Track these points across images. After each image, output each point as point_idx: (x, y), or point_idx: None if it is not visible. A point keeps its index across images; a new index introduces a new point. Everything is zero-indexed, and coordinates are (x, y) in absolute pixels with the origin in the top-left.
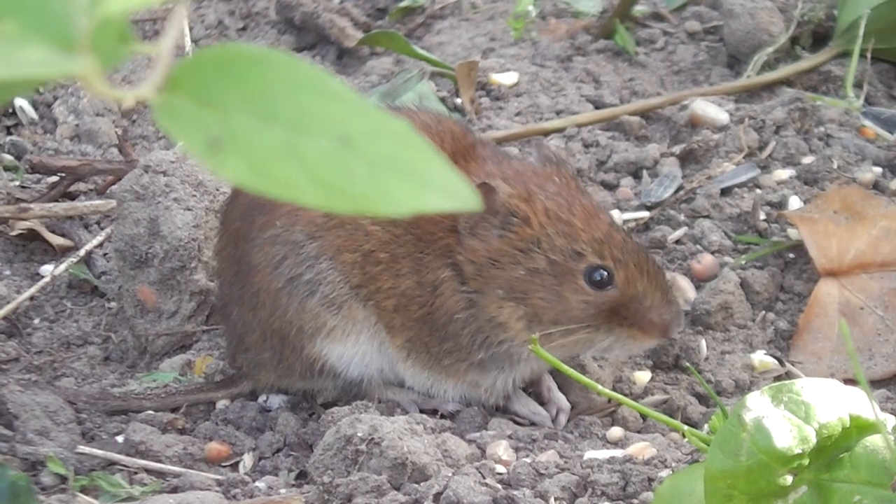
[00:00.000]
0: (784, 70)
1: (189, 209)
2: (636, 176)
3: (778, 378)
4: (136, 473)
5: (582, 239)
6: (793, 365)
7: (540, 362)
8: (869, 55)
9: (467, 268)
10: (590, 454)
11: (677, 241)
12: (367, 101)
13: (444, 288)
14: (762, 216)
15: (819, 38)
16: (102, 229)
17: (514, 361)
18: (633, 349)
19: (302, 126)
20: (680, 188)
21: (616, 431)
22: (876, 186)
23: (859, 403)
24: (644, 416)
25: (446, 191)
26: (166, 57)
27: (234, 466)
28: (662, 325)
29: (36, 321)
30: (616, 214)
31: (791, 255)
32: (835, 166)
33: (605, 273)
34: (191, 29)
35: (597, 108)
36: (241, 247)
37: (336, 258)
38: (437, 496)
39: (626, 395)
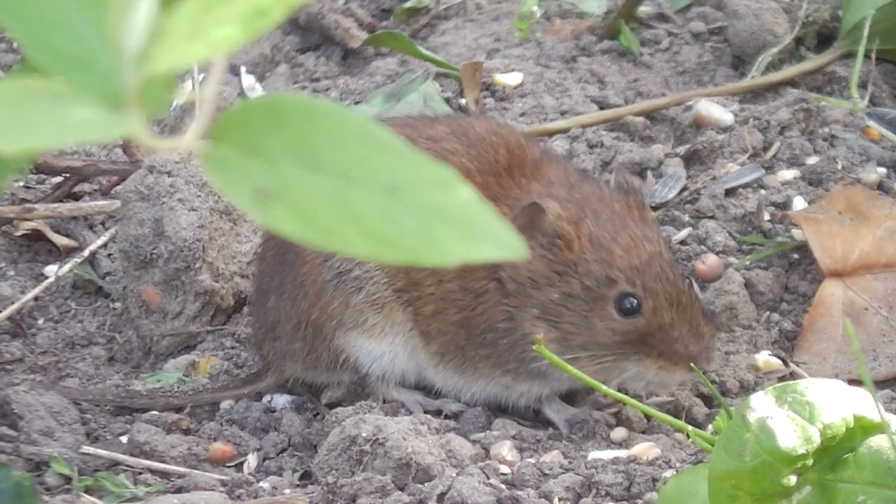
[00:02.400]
0: (788, 71)
1: (194, 210)
2: (641, 176)
3: (782, 378)
4: (140, 474)
5: (617, 266)
6: (797, 365)
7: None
8: (874, 56)
9: (509, 284)
10: (594, 454)
11: (682, 242)
12: (414, 151)
13: (487, 297)
14: (767, 217)
15: (824, 39)
16: (107, 230)
17: (546, 377)
18: (665, 381)
19: (350, 176)
20: (684, 189)
21: (620, 432)
22: (880, 187)
23: (863, 404)
24: (648, 417)
25: (494, 240)
26: (210, 105)
27: (239, 467)
28: (688, 357)
29: (40, 321)
30: None
31: (795, 256)
32: (839, 167)
33: (635, 301)
34: None
35: (601, 108)
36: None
37: None
38: (442, 496)
39: (630, 395)
